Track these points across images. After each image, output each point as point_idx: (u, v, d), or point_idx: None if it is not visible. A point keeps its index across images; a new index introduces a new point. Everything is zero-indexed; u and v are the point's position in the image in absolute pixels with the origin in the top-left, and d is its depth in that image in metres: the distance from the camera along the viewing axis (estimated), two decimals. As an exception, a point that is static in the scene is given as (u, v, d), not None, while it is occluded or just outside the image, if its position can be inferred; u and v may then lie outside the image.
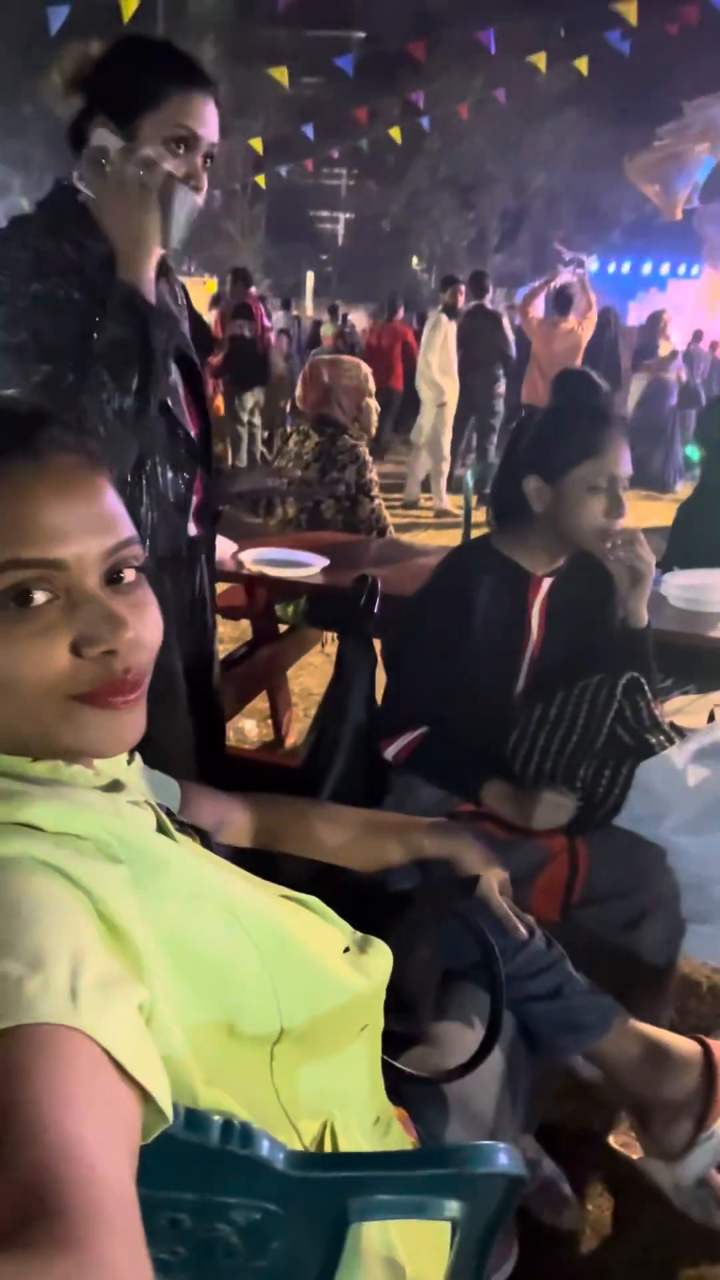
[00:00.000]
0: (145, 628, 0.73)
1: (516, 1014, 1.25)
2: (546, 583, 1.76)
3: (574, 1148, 1.74)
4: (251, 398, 8.30)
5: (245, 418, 8.33)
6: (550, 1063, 1.32)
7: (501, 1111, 1.09)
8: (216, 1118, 0.60)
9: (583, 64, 9.50)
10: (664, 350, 9.07)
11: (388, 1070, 1.01)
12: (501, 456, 1.84)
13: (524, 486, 1.67)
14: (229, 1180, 0.62)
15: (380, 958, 0.88)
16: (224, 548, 2.52)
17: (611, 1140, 1.74)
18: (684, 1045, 1.32)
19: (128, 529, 0.74)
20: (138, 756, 0.87)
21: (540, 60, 9.49)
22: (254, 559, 2.46)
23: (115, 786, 0.77)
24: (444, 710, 1.69)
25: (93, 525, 0.70)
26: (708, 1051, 1.31)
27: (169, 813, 0.88)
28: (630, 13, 7.95)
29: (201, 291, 11.08)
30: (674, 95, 11.87)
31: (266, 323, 8.47)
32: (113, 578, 0.72)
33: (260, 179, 14.54)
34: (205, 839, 0.91)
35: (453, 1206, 0.63)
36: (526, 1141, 1.48)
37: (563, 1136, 1.74)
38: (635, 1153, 1.64)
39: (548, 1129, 1.72)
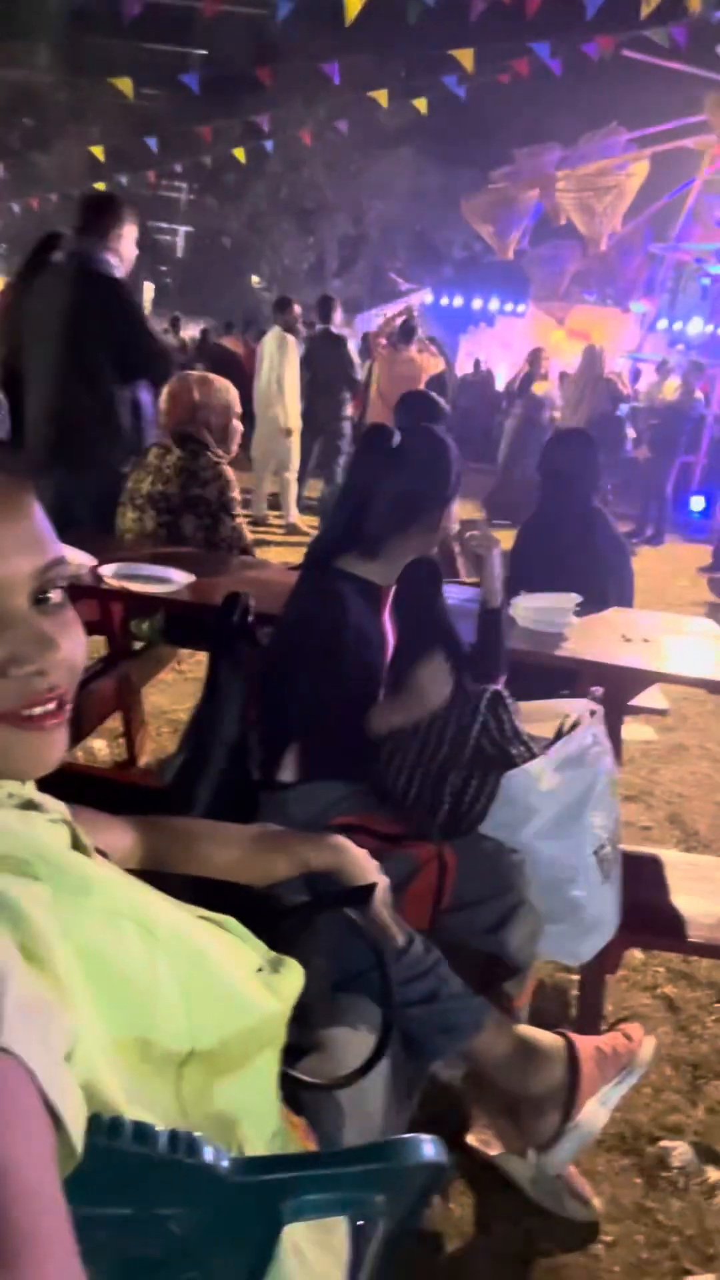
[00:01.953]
0: (73, 647, 0.73)
1: (395, 1017, 1.29)
2: (389, 591, 1.88)
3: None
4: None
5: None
6: (426, 1063, 1.37)
7: (389, 1112, 1.12)
8: (161, 1128, 0.60)
9: (421, 104, 9.88)
10: (539, 389, 8.96)
11: (286, 1080, 1.03)
12: (351, 490, 1.90)
13: (407, 538, 1.80)
14: (167, 1191, 0.62)
15: (292, 977, 0.90)
16: (81, 561, 2.47)
17: (470, 1139, 1.80)
18: (549, 1040, 1.40)
19: (57, 549, 0.73)
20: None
21: (381, 96, 9.80)
22: (114, 573, 2.41)
23: (31, 805, 0.77)
24: (324, 724, 1.74)
25: (21, 544, 0.70)
26: (571, 1045, 1.40)
27: None
28: (466, 60, 8.35)
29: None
30: (506, 142, 12.55)
31: None
32: (39, 598, 0.72)
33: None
34: (106, 860, 0.90)
35: (380, 1200, 0.66)
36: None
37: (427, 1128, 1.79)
38: (494, 1150, 1.71)
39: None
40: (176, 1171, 0.61)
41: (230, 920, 0.88)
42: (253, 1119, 0.85)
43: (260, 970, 0.88)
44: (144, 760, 3.25)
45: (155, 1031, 0.73)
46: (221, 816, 1.82)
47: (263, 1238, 0.65)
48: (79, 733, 2.99)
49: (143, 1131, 0.60)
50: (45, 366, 3.21)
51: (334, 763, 1.74)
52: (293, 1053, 1.09)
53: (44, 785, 0.79)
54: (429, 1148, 0.66)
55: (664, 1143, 1.93)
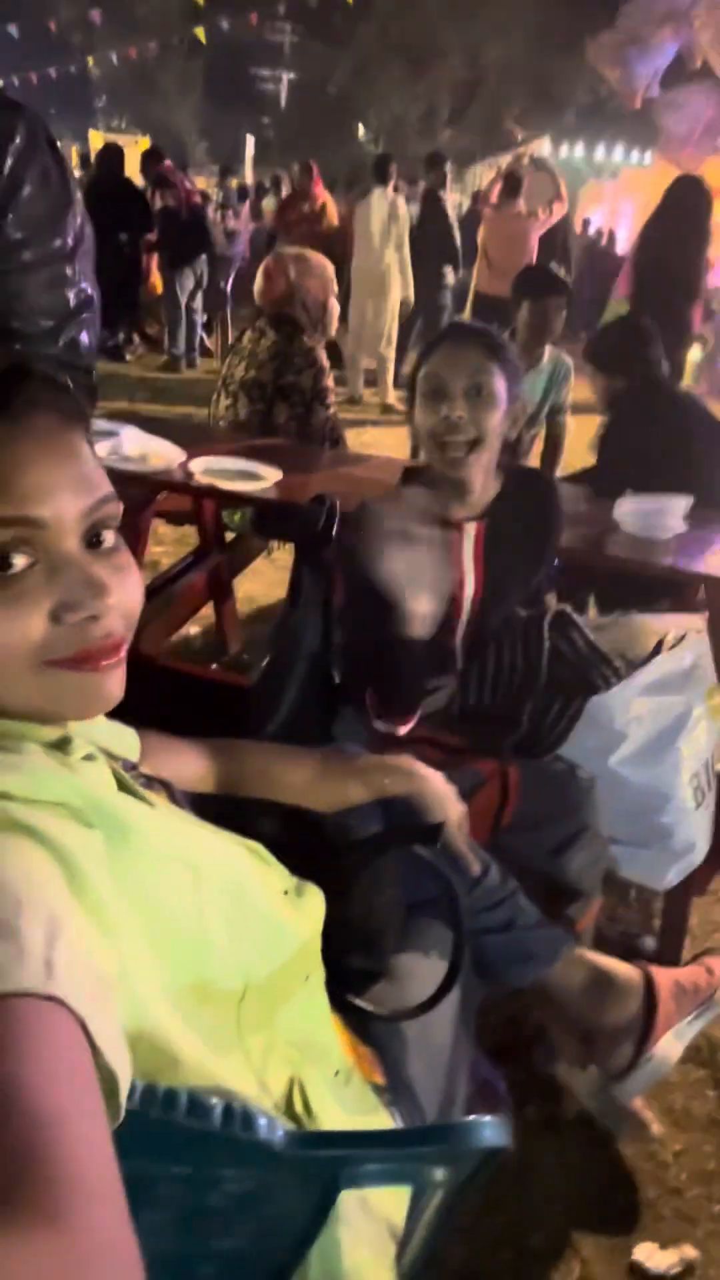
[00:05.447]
0: (126, 592, 0.72)
1: (469, 945, 1.29)
2: (472, 528, 1.71)
3: (504, 1049, 1.84)
4: (191, 277, 7.87)
5: (184, 300, 7.91)
6: (500, 990, 1.37)
7: (458, 1040, 1.13)
8: (216, 1102, 0.60)
9: (547, -72, 8.93)
10: None
11: (353, 1010, 1.04)
12: None
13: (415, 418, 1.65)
14: (225, 1155, 0.63)
15: (315, 901, 0.90)
16: (171, 455, 2.43)
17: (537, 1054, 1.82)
18: (627, 972, 1.39)
19: (106, 486, 0.71)
20: None
21: None
22: (204, 469, 2.36)
23: (64, 743, 0.75)
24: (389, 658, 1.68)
25: (71, 484, 0.68)
26: (649, 978, 1.38)
27: (132, 766, 0.87)
28: None
29: (134, 150, 10.29)
30: (640, -30, 11.28)
31: (188, 185, 8.03)
32: (92, 540, 0.70)
33: (199, 31, 13.47)
34: (170, 791, 0.90)
35: (438, 1174, 0.66)
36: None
37: (493, 1038, 1.83)
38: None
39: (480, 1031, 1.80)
40: (233, 1140, 0.61)
41: (255, 844, 0.88)
42: (311, 1060, 0.85)
43: (286, 894, 0.88)
44: (234, 648, 3.29)
45: (210, 972, 0.73)
46: (302, 722, 1.83)
47: (319, 1201, 0.66)
48: (173, 625, 3.03)
49: (197, 1105, 0.59)
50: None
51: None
52: (363, 979, 1.10)
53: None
54: (490, 1132, 0.65)
55: (740, 1056, 1.92)
